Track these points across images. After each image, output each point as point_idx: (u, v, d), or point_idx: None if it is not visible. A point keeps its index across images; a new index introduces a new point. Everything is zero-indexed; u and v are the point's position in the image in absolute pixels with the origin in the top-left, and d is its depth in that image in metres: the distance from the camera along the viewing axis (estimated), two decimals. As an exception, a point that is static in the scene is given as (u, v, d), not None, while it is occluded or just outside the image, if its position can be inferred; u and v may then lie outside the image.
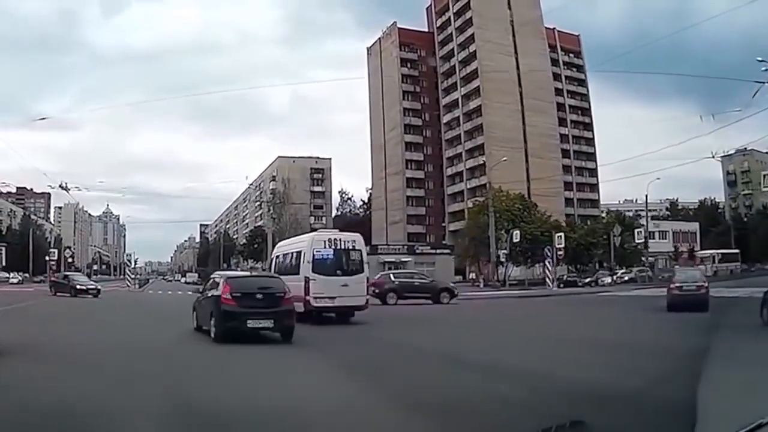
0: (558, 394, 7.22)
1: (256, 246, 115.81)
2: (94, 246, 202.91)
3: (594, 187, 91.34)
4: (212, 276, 16.68)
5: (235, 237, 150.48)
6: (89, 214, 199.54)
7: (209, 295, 14.38)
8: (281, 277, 16.01)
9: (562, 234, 42.63)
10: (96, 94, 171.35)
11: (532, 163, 79.64)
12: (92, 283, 39.48)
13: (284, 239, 26.60)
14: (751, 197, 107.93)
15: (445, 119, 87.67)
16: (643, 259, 62.93)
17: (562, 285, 44.54)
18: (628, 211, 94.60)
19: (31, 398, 6.98)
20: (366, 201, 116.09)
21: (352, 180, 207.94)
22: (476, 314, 24.88)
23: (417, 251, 65.59)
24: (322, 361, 11.28)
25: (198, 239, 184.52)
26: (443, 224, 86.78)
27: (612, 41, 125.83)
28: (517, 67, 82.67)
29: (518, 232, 50.68)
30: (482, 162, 78.32)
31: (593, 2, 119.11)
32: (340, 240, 18.33)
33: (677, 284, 20.39)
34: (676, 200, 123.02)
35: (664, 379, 8.01)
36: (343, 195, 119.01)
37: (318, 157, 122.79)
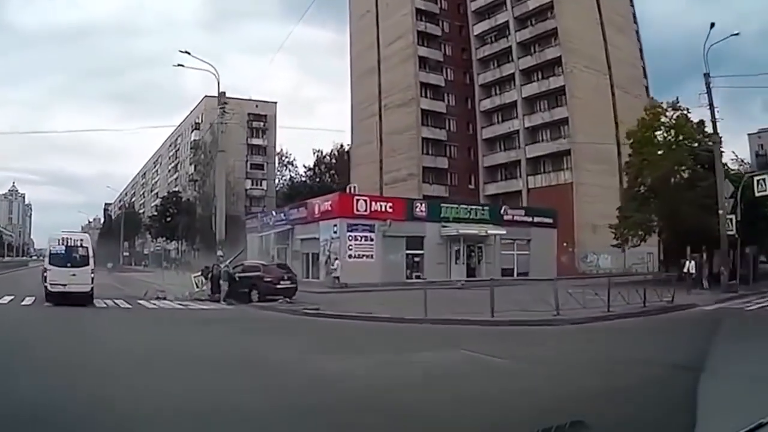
0: None
1: (168, 219, 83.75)
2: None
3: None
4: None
5: (141, 211, 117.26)
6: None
7: None
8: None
9: None
10: (13, 75, 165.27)
11: (618, 99, 52.33)
12: None
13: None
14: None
15: (477, 30, 58.81)
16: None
17: None
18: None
19: None
20: (311, 167, 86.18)
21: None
22: None
23: (505, 217, 36.14)
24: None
25: (103, 219, 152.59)
26: (470, 186, 58.32)
27: None
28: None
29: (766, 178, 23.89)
30: (556, 87, 50.49)
31: None
32: (71, 239, 22.82)
33: None
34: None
35: None
36: (284, 158, 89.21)
37: (260, 100, 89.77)
